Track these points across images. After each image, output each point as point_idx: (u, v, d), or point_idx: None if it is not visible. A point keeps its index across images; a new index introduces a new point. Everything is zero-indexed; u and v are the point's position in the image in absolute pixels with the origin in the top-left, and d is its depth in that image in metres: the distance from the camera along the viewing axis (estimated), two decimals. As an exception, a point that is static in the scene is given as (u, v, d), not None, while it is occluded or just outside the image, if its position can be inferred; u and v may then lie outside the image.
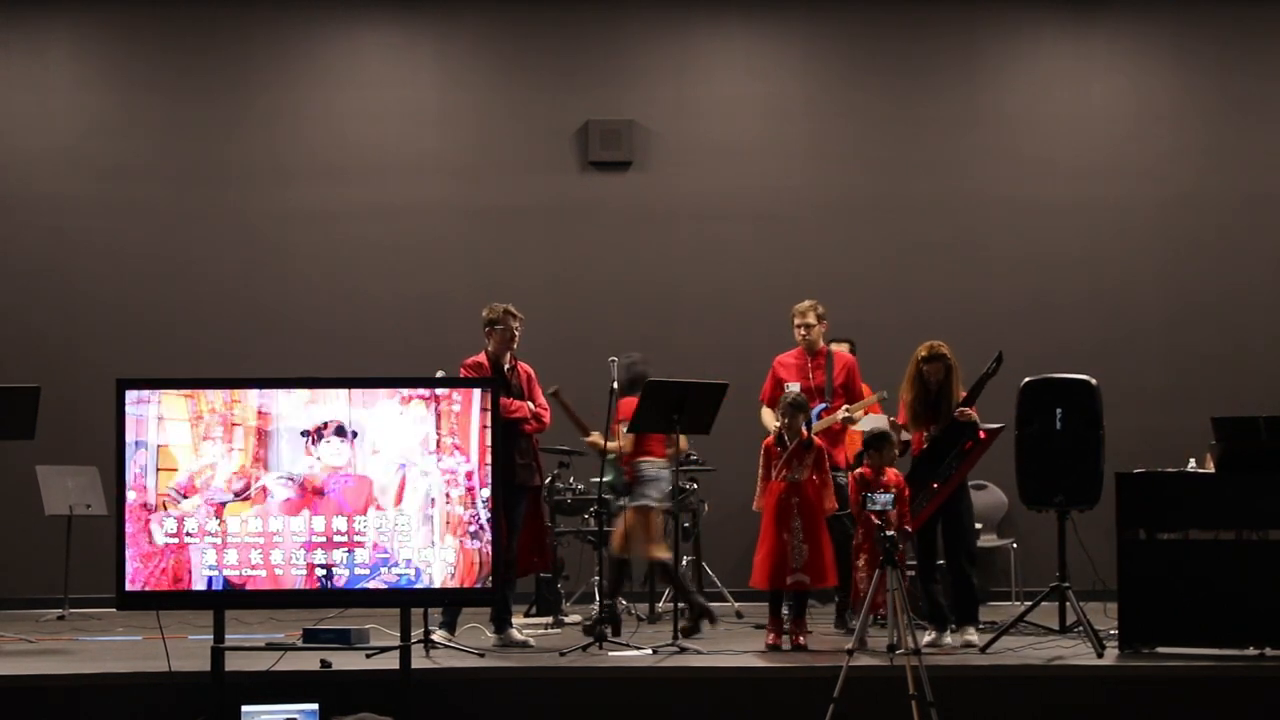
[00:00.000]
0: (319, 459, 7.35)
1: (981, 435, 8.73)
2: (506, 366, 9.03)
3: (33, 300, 12.10)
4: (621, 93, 12.33)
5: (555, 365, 10.92)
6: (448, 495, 7.34)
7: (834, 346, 10.01)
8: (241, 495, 7.34)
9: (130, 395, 7.36)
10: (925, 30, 12.31)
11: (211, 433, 7.36)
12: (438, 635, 8.63)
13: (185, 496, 7.31)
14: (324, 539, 7.32)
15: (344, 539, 7.33)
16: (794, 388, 9.51)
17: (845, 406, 9.51)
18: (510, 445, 8.66)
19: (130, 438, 7.33)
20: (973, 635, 8.63)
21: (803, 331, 9.74)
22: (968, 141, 12.31)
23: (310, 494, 7.33)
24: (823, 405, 9.57)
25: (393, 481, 7.34)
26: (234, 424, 7.36)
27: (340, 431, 7.35)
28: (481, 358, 9.04)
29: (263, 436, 7.37)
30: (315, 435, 7.36)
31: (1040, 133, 12.32)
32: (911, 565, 9.48)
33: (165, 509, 7.31)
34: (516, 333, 9.05)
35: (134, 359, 11.31)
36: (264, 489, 7.35)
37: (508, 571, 8.71)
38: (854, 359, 9.92)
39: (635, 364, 9.45)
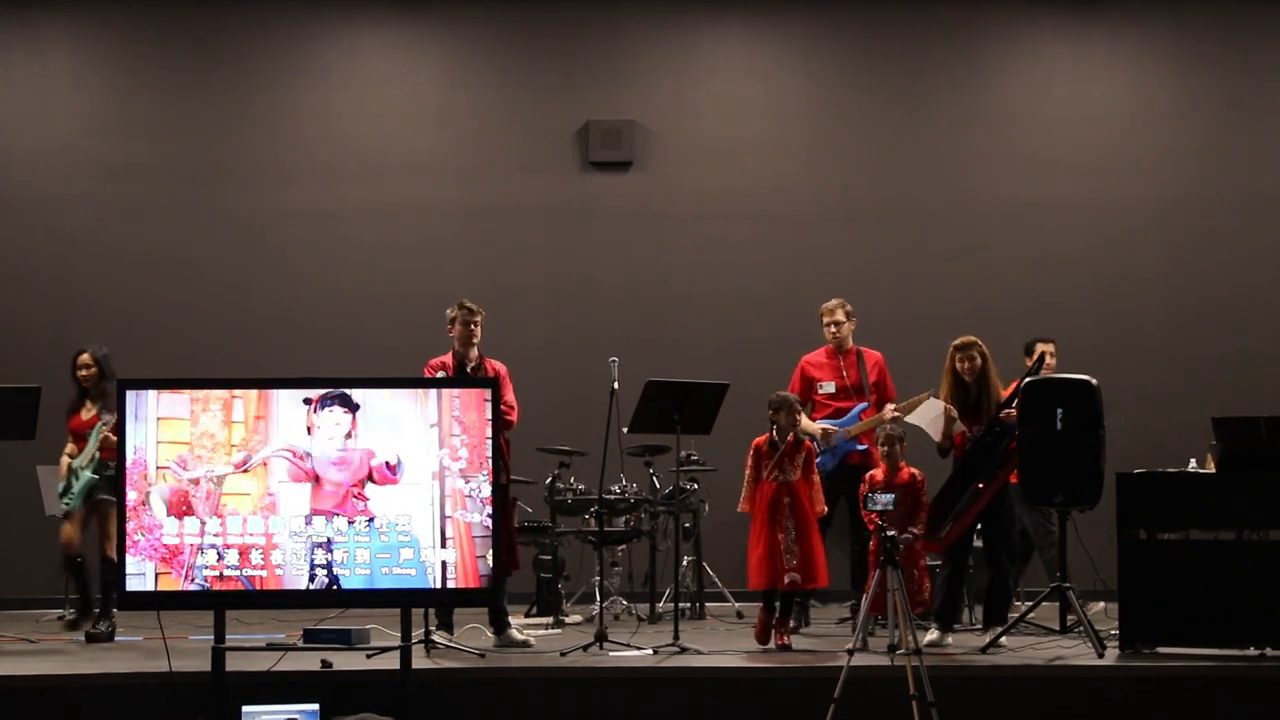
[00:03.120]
0: (320, 429, 7.33)
1: None
2: (471, 365, 8.98)
3: (32, 300, 12.10)
4: (621, 93, 12.32)
5: (555, 365, 10.95)
6: (448, 468, 7.32)
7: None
8: (241, 467, 7.33)
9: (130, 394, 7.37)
10: (925, 30, 12.30)
11: (211, 405, 7.36)
12: (438, 635, 8.62)
13: (185, 469, 7.31)
14: (324, 540, 7.32)
15: (343, 538, 7.32)
16: (828, 388, 9.50)
17: (893, 405, 9.45)
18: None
19: (130, 410, 7.32)
20: (1001, 638, 8.51)
21: (832, 329, 9.70)
22: (968, 141, 12.30)
23: (311, 467, 7.31)
24: (863, 405, 9.54)
25: (394, 456, 7.32)
26: (234, 396, 7.36)
27: (344, 402, 7.34)
28: (447, 357, 9.03)
29: (263, 409, 7.36)
30: (317, 404, 7.35)
31: (1040, 133, 12.30)
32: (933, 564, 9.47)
33: (165, 481, 7.30)
34: (474, 329, 8.99)
35: (134, 359, 11.28)
36: (264, 462, 7.34)
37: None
38: (882, 356, 9.83)
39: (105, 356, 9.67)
